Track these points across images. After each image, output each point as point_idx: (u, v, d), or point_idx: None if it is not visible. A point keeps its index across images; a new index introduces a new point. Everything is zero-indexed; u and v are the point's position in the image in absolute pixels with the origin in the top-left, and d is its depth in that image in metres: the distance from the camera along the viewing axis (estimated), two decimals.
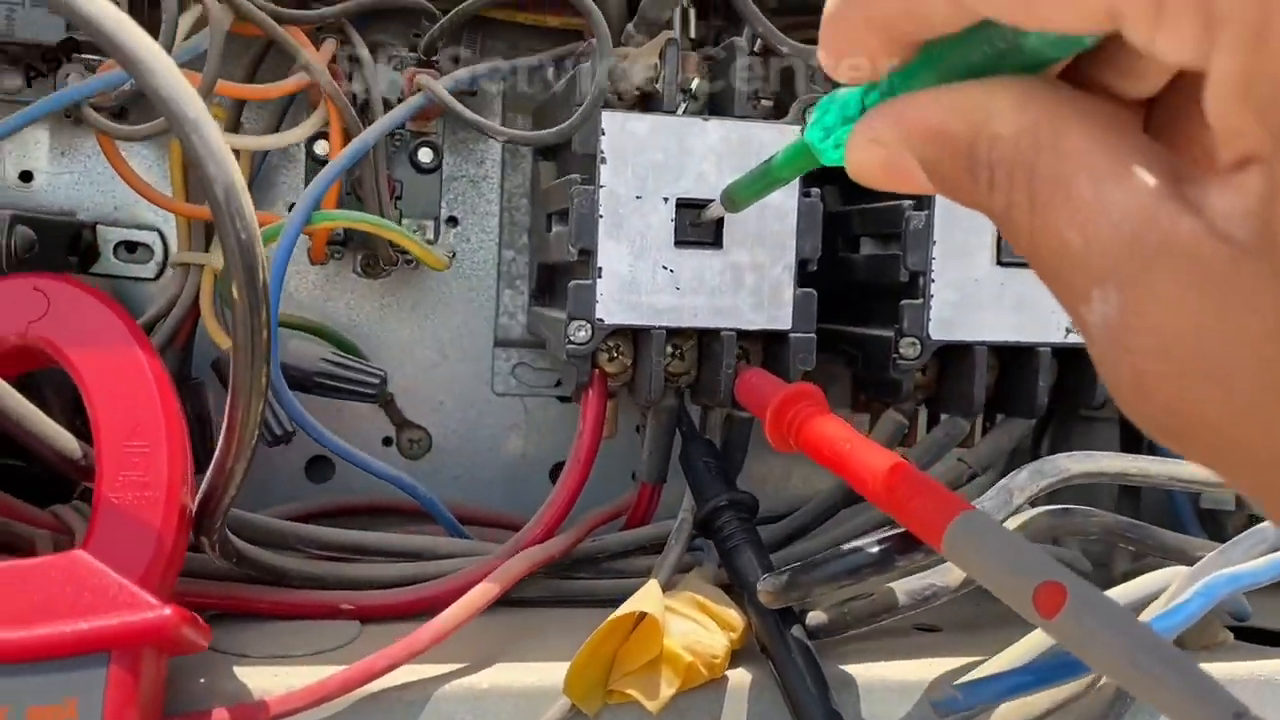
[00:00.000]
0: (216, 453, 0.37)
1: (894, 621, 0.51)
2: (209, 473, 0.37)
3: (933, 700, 0.39)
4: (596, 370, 0.50)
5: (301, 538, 0.47)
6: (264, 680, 0.41)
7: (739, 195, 0.44)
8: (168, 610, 0.34)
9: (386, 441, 0.61)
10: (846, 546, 0.40)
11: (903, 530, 0.39)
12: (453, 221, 0.60)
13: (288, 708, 0.39)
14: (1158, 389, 0.21)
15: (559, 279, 0.54)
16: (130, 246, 0.56)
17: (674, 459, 0.53)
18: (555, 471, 0.62)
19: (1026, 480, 0.43)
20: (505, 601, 0.51)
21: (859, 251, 0.55)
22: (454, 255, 0.58)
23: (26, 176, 0.56)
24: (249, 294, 0.33)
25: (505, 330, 0.61)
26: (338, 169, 0.45)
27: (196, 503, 0.38)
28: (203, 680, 0.41)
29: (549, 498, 0.50)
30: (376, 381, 0.51)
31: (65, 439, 0.38)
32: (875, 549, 0.39)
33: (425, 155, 0.54)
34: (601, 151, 0.47)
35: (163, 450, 0.37)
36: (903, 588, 0.42)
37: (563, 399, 0.62)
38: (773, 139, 0.48)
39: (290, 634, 0.45)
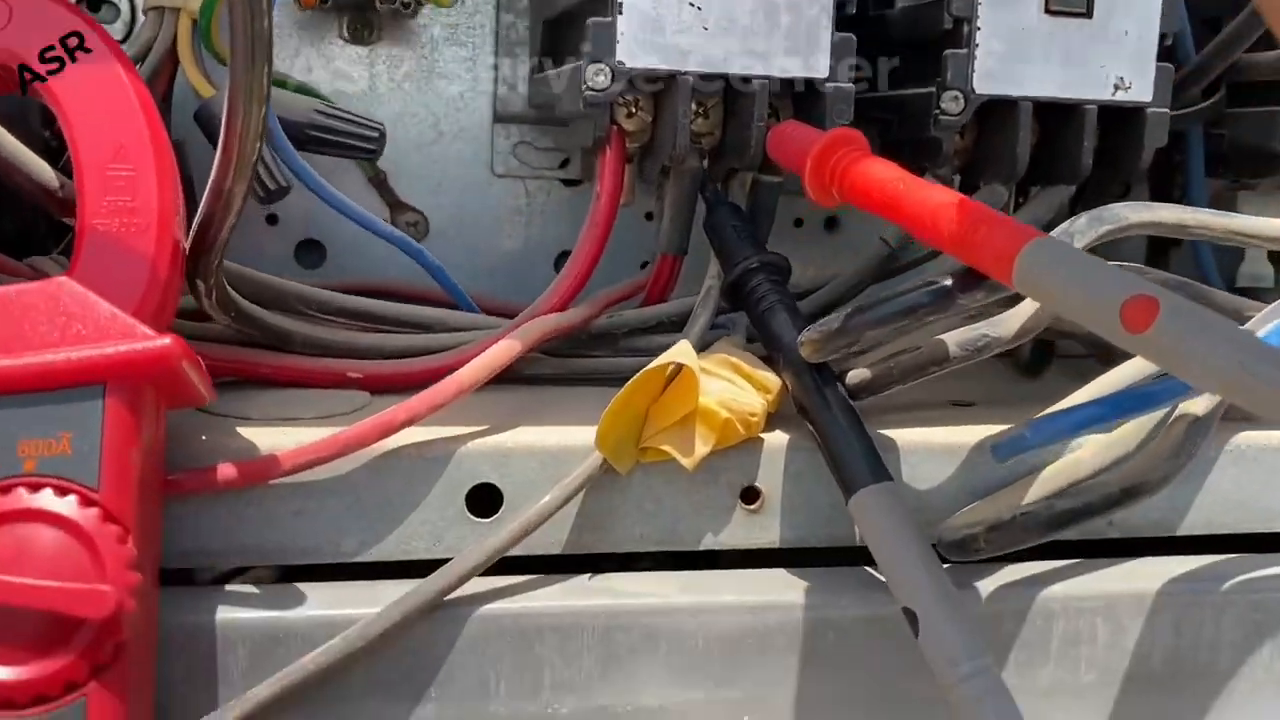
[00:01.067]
0: (212, 175, 0.33)
1: (929, 393, 0.49)
2: (204, 200, 0.34)
3: (995, 444, 0.36)
4: (615, 126, 0.46)
5: (305, 299, 0.43)
6: (272, 439, 0.38)
7: None
8: (167, 339, 0.31)
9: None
10: (899, 289, 0.37)
11: (962, 268, 0.36)
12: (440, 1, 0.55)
13: (301, 461, 0.36)
14: None
15: (568, 34, 0.50)
16: (93, 4, 0.51)
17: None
18: (560, 260, 0.59)
19: (1085, 225, 0.40)
20: (520, 379, 0.48)
21: (894, 7, 0.51)
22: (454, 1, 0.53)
23: None
24: None
25: (505, 103, 0.57)
26: None
27: (190, 237, 0.35)
28: (204, 438, 0.37)
29: (565, 267, 0.47)
30: (375, 134, 0.47)
31: (40, 165, 0.34)
32: (932, 288, 0.36)
33: None
34: None
35: (150, 174, 0.33)
36: (953, 339, 0.40)
37: (568, 182, 0.58)
38: None
39: (296, 400, 0.42)
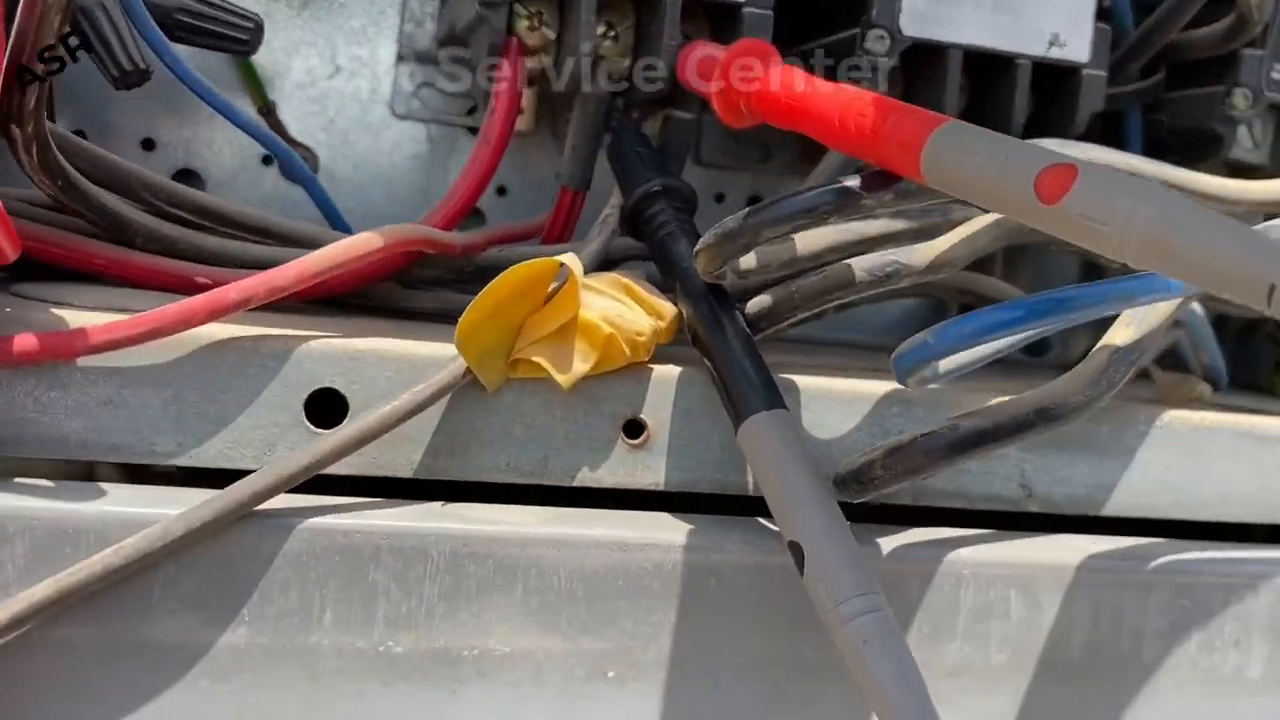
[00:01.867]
0: None
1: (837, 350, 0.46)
2: (18, 17, 0.29)
3: (896, 357, 0.33)
4: (513, 38, 0.43)
5: (150, 185, 0.38)
6: (88, 320, 0.33)
7: None
8: None
9: (266, 160, 0.52)
10: (801, 188, 0.34)
11: (872, 170, 0.33)
12: None
13: (114, 336, 0.31)
14: None
15: None
16: None
17: None
18: None
19: None
20: (394, 312, 0.44)
21: None
22: None
23: None
24: None
25: (411, 40, 0.53)
26: None
27: (3, 68, 0.30)
28: (8, 310, 0.33)
29: (452, 184, 0.43)
30: (251, 26, 0.42)
31: None
32: (836, 186, 0.32)
33: None
34: None
35: None
36: (860, 264, 0.36)
37: (474, 130, 0.55)
38: None
39: (129, 297, 0.37)
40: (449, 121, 0.54)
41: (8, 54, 0.30)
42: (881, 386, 0.39)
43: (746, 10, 0.42)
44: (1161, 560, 0.40)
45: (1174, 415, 0.42)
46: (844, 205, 0.32)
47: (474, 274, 0.44)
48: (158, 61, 0.41)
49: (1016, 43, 0.45)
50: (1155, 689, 0.40)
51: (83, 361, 0.32)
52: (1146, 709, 0.40)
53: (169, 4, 0.41)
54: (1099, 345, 0.34)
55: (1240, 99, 0.49)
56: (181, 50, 0.42)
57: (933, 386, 0.37)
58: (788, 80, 0.36)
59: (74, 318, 0.33)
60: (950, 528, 0.39)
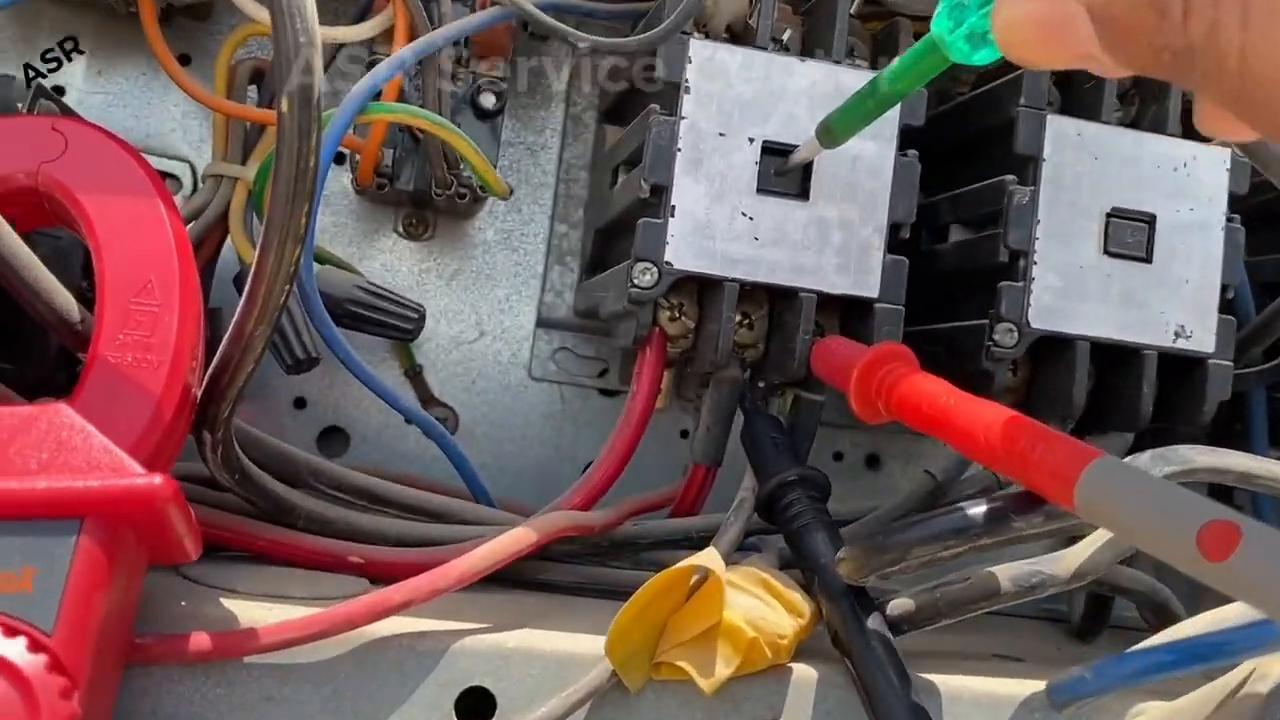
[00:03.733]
0: (235, 317, 0.31)
1: (970, 645, 0.46)
2: (223, 343, 0.32)
3: (1053, 685, 0.32)
4: (656, 327, 0.45)
5: (316, 471, 0.41)
6: (255, 614, 0.34)
7: (840, 123, 0.40)
8: (158, 478, 0.29)
9: (409, 420, 0.55)
10: (949, 509, 0.34)
11: (1018, 490, 0.34)
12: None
13: (281, 638, 0.33)
14: None
15: (618, 244, 0.50)
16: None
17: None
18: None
19: (1149, 462, 0.37)
20: (532, 584, 0.45)
21: (947, 241, 0.51)
22: (512, 193, 0.53)
23: (60, 92, 0.52)
24: (300, 110, 0.28)
25: (550, 309, 0.56)
26: (400, 61, 0.41)
27: (204, 382, 0.33)
28: (183, 604, 0.34)
29: (592, 466, 0.45)
30: (415, 316, 0.46)
31: (64, 296, 0.33)
32: (985, 507, 0.33)
33: (488, 100, 0.50)
34: (686, 80, 0.43)
35: (173, 313, 0.32)
36: (1005, 574, 0.36)
37: (605, 392, 0.57)
38: None
39: (289, 579, 0.39)
40: (581, 384, 0.57)
41: (210, 373, 0.33)
42: (1020, 689, 0.39)
43: (879, 306, 0.44)
44: None
45: None
46: (994, 528, 0.33)
47: (609, 548, 0.45)
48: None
49: (1143, 334, 0.46)
50: None
51: (249, 658, 0.33)
52: None
53: (342, 295, 0.44)
54: (1254, 677, 0.33)
55: None
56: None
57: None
58: (931, 390, 0.37)
59: (241, 609, 0.35)
60: None
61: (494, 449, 0.56)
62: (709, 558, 0.36)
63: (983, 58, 0.32)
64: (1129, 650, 0.31)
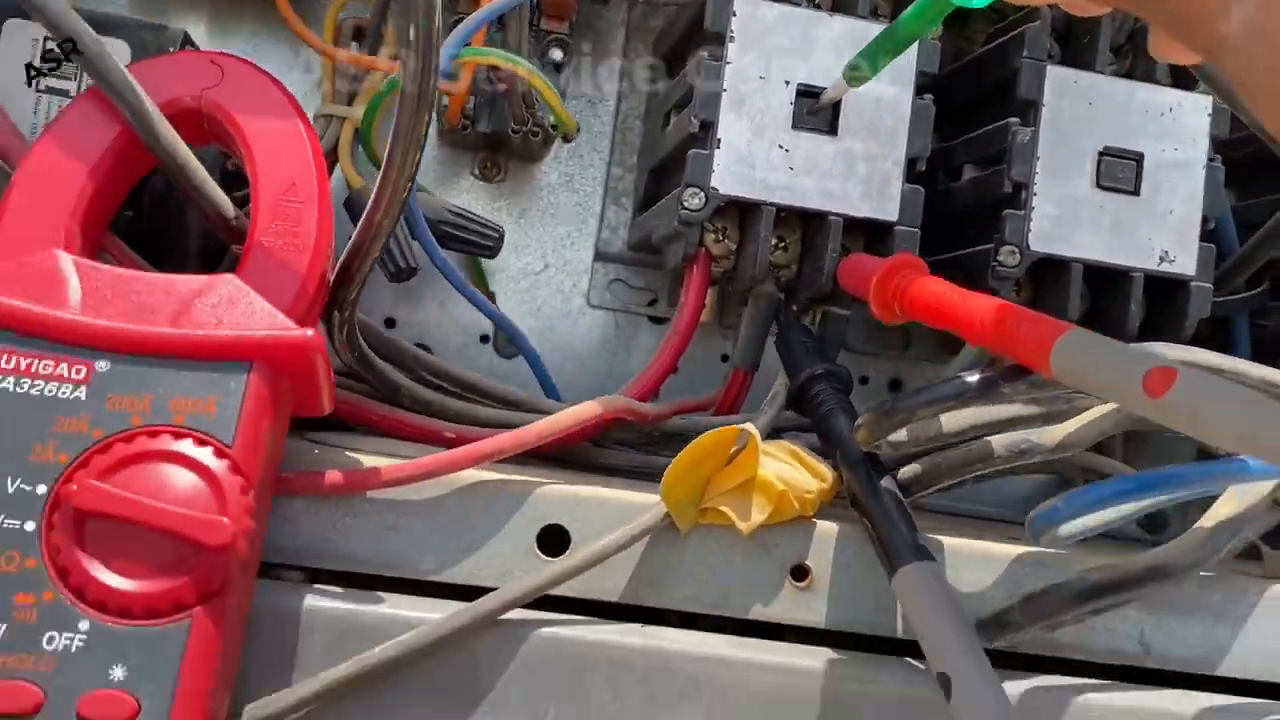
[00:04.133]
0: (366, 210, 0.39)
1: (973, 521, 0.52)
2: (355, 232, 0.40)
3: (1030, 519, 0.39)
4: (703, 248, 0.52)
5: (419, 360, 0.49)
6: (374, 462, 0.42)
7: (865, 62, 0.47)
8: (310, 332, 0.36)
9: (484, 339, 0.62)
10: (947, 380, 0.41)
11: (1006, 363, 0.40)
12: (566, 138, 0.63)
13: (399, 476, 0.40)
14: None
15: (668, 182, 0.57)
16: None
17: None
18: None
19: None
20: (594, 468, 0.52)
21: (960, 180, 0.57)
22: (579, 130, 0.60)
23: None
24: (425, 35, 0.36)
25: (606, 244, 0.64)
26: (491, 11, 0.48)
27: (337, 266, 0.41)
28: (316, 452, 0.42)
29: (647, 364, 0.52)
30: (496, 235, 0.53)
31: (223, 197, 0.41)
32: (978, 377, 0.40)
33: (555, 54, 0.57)
34: (731, 31, 0.50)
35: (313, 209, 0.40)
36: (999, 442, 0.43)
37: (654, 319, 0.64)
38: None
39: (396, 446, 0.46)
40: (633, 311, 0.64)
41: (344, 258, 0.40)
42: (1014, 549, 0.45)
43: (898, 228, 0.51)
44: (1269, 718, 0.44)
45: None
46: (986, 393, 0.40)
47: (659, 439, 0.53)
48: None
49: (1131, 258, 0.53)
50: None
51: (372, 494, 0.41)
52: None
53: (436, 216, 0.52)
54: (1204, 517, 0.40)
55: None
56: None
57: (1061, 551, 0.43)
58: (935, 289, 0.44)
59: (364, 460, 0.42)
60: (1076, 677, 0.44)
61: (555, 368, 0.63)
62: (748, 427, 0.43)
63: (979, 1, 0.39)
64: (1094, 484, 0.38)
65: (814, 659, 0.42)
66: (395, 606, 0.40)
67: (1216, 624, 0.46)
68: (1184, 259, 0.53)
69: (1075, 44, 0.55)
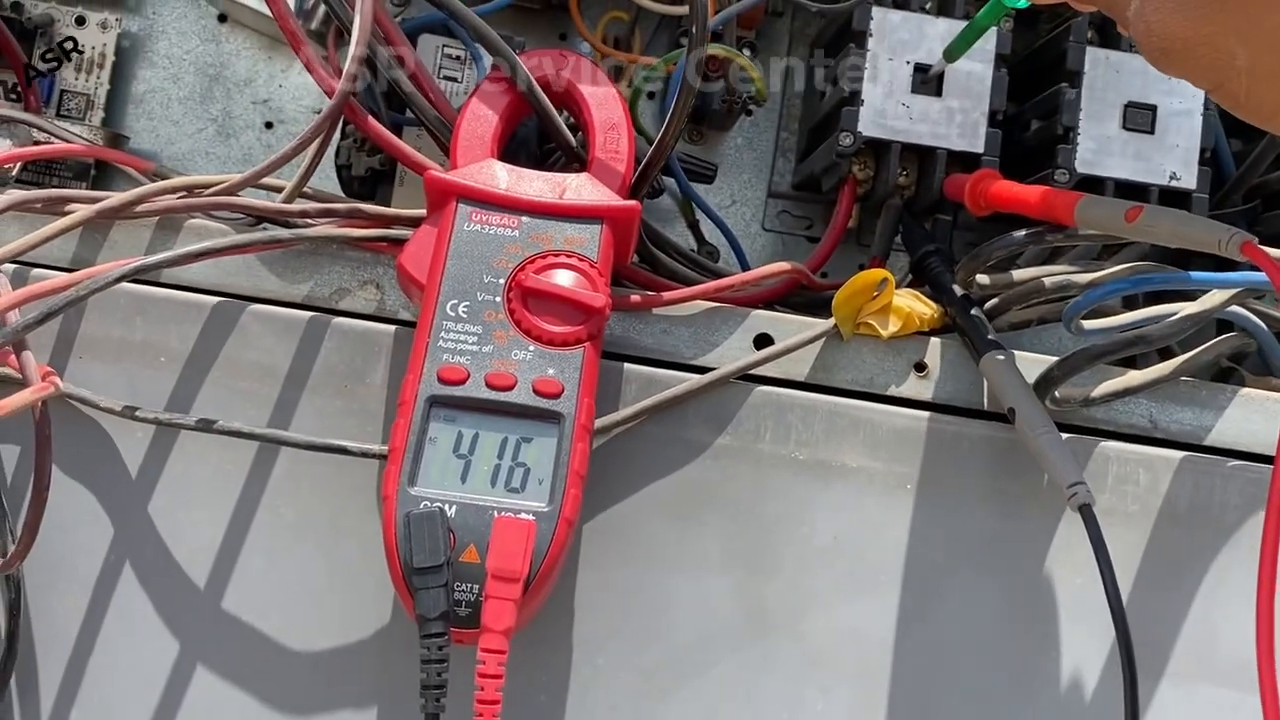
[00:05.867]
0: (659, 136, 0.66)
1: None
2: (651, 150, 0.67)
3: (1065, 310, 0.63)
4: (851, 175, 0.78)
5: (675, 249, 0.76)
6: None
7: (955, 47, 0.73)
8: (636, 202, 0.63)
9: (708, 215, 0.89)
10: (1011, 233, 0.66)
11: (1050, 225, 0.65)
12: (748, 112, 0.90)
13: (673, 298, 0.67)
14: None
15: (825, 133, 0.83)
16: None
17: None
18: None
19: None
20: None
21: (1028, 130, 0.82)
22: (768, 99, 0.87)
23: None
24: (699, 37, 0.63)
25: (776, 185, 0.90)
26: (724, 16, 0.76)
27: (637, 173, 0.68)
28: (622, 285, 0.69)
29: (815, 249, 0.78)
30: (713, 170, 0.80)
31: (568, 133, 0.69)
32: (1031, 231, 0.65)
33: (746, 52, 0.84)
34: (869, 29, 0.76)
35: (625, 142, 0.67)
36: (1049, 280, 0.68)
37: (810, 239, 0.90)
38: None
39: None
40: (795, 234, 0.90)
41: (645, 163, 0.67)
42: (1049, 360, 0.70)
43: (984, 158, 0.76)
44: (1235, 464, 0.68)
45: (1252, 392, 0.70)
46: (1038, 239, 0.64)
47: (820, 303, 0.78)
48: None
49: (1148, 176, 0.76)
50: (1236, 542, 0.67)
51: (656, 310, 0.68)
52: (1225, 552, 0.67)
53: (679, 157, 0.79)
54: (1180, 310, 0.63)
55: None
56: None
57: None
58: (1006, 185, 0.69)
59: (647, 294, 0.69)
60: (1098, 438, 0.69)
61: None
62: (888, 276, 0.69)
63: (1021, 2, 0.64)
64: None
65: (927, 414, 0.67)
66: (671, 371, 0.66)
67: (1203, 410, 0.70)
68: (1188, 178, 0.77)
69: (1108, 32, 0.79)
